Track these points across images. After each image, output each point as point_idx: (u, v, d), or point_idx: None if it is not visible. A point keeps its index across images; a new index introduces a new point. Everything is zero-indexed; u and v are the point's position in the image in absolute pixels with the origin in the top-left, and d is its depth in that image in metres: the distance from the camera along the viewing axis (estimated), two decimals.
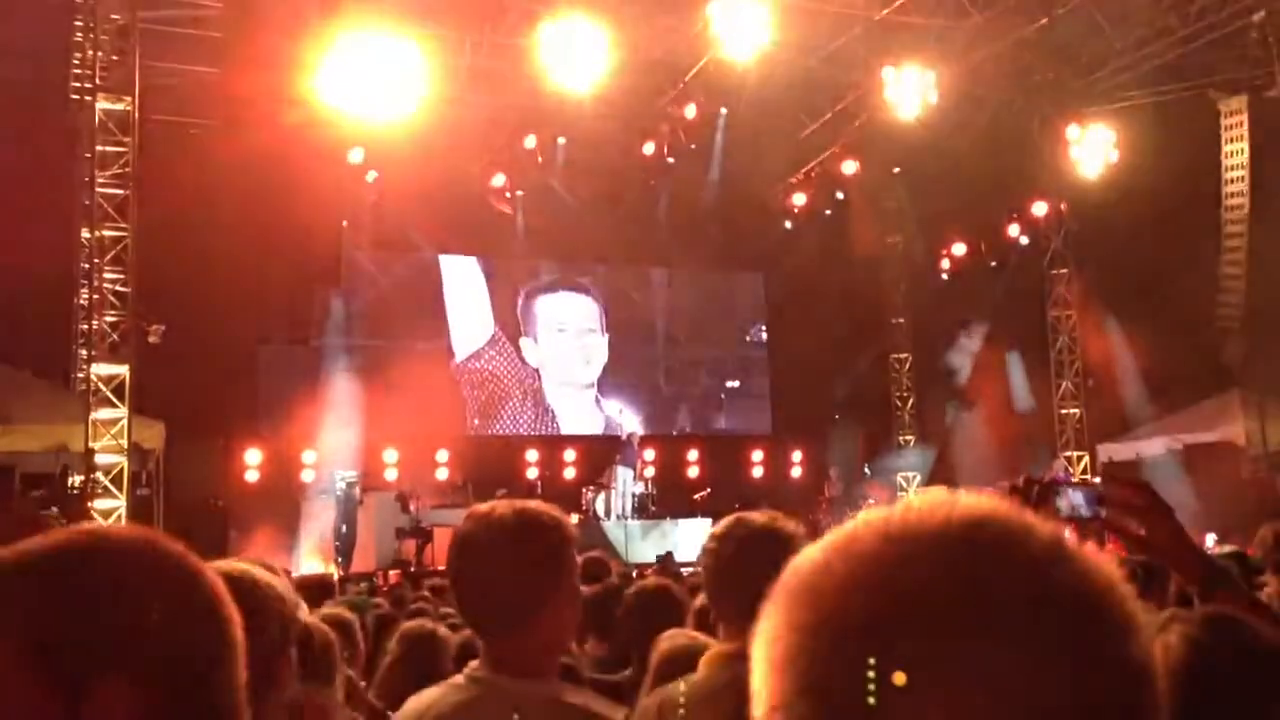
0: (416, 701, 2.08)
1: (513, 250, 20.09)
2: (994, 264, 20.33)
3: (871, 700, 0.61)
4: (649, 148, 17.76)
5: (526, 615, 1.99)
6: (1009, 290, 20.07)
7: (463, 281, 20.28)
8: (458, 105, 16.15)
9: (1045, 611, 0.62)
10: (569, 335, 21.04)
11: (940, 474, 19.67)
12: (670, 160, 17.86)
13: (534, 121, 17.15)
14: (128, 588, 0.97)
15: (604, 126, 16.80)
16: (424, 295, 19.90)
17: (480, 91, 16.29)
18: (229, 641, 1.02)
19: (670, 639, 2.96)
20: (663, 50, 15.60)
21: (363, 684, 3.96)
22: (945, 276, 21.10)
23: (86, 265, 14.58)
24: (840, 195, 19.67)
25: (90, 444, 12.82)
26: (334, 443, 16.97)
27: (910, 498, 0.71)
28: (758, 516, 2.45)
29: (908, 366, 22.67)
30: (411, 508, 15.94)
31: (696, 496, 18.55)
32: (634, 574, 8.41)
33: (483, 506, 2.09)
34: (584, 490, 17.89)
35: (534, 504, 2.09)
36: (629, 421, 20.09)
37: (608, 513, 17.27)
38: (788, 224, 20.40)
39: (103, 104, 13.40)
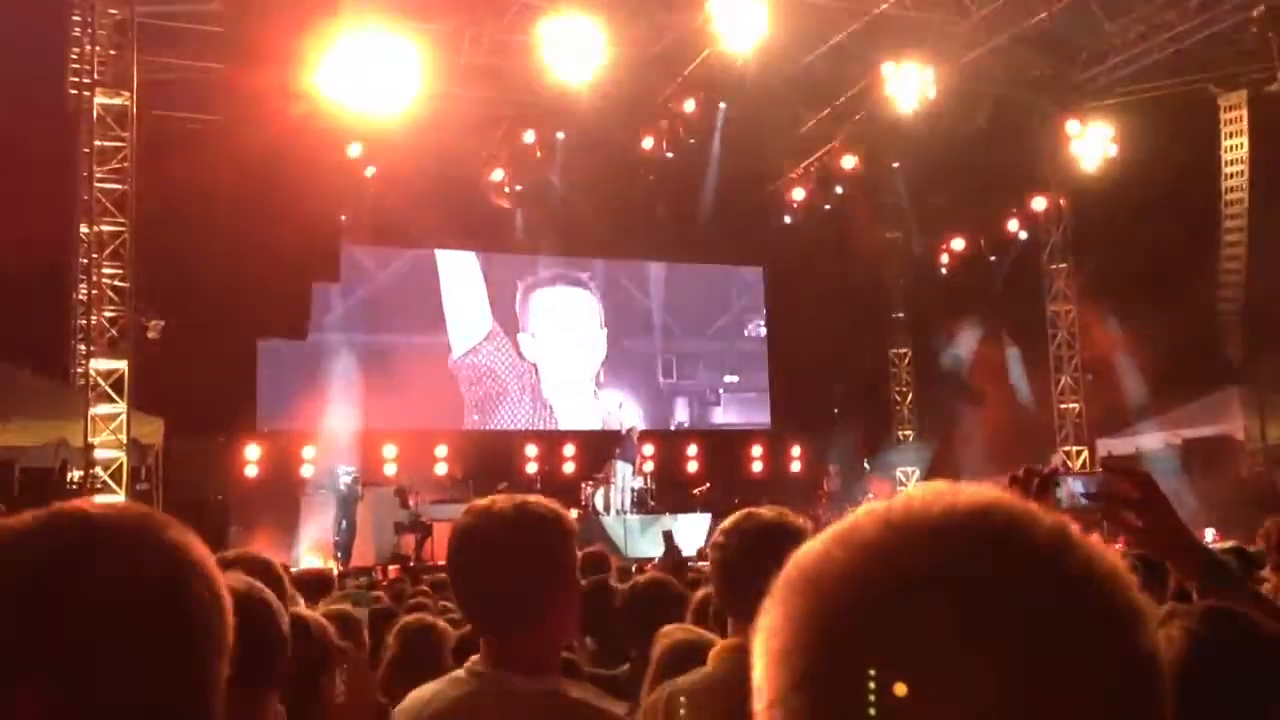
0: (416, 696, 2.07)
1: (511, 245, 20.07)
2: (993, 259, 20.27)
3: (872, 700, 0.59)
4: (648, 142, 17.72)
5: (527, 610, 1.97)
6: (1008, 285, 20.06)
7: (461, 276, 20.26)
8: (457, 100, 16.15)
9: (1051, 600, 0.61)
10: (568, 330, 21.03)
11: (939, 469, 19.65)
12: (669, 155, 17.80)
13: (533, 116, 17.14)
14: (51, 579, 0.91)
15: (603, 121, 16.76)
16: (423, 290, 19.90)
17: (479, 86, 16.27)
18: (193, 635, 0.94)
19: (671, 633, 2.95)
20: (662, 45, 15.59)
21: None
22: (944, 271, 21.05)
23: (85, 260, 14.54)
24: (840, 190, 19.61)
25: (89, 439, 12.81)
26: (333, 438, 16.97)
27: (911, 489, 0.70)
28: (766, 511, 2.45)
29: (907, 361, 22.66)
30: (411, 503, 15.96)
31: (696, 491, 18.52)
32: (633, 569, 8.39)
33: (482, 501, 2.06)
34: (583, 485, 17.87)
35: (534, 498, 2.07)
36: (628, 416, 20.06)
37: (607, 508, 17.25)
38: (787, 219, 20.37)
39: (101, 99, 13.38)
